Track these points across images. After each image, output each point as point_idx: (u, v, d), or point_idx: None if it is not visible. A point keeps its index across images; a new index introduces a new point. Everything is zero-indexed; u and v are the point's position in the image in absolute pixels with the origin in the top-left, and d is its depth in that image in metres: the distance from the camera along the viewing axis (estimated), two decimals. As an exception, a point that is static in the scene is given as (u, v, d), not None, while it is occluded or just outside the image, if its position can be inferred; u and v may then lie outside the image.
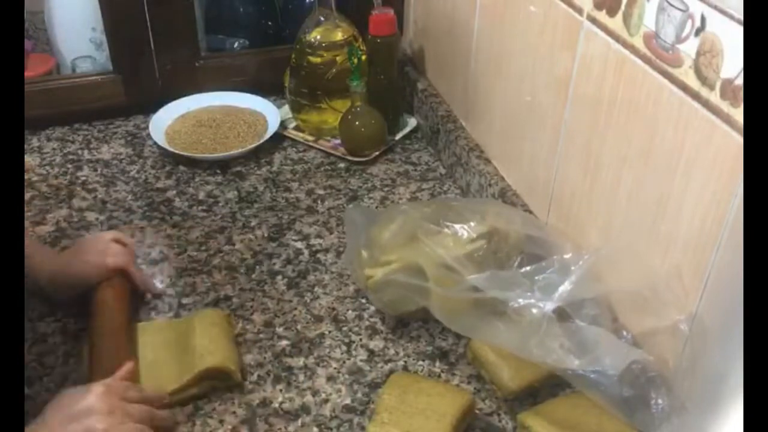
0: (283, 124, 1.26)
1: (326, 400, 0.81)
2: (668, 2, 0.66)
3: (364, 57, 1.18)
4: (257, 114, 1.27)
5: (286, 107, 1.28)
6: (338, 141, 1.23)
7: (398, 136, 1.26)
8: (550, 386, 0.81)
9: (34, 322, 0.89)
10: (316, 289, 0.96)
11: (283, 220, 1.08)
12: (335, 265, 0.99)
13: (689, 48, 0.65)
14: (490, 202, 1.01)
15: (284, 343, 0.88)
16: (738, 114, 0.60)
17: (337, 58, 1.20)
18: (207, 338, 0.83)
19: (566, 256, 0.77)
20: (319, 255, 1.01)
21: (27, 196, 1.10)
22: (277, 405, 0.80)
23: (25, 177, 1.14)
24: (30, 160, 1.19)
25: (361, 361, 0.86)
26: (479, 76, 1.09)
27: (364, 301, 0.93)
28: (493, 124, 1.07)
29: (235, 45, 1.39)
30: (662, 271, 0.73)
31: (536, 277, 0.77)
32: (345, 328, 0.90)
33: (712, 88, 0.63)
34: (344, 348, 0.87)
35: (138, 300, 0.92)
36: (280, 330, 0.90)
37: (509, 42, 0.97)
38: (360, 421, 0.79)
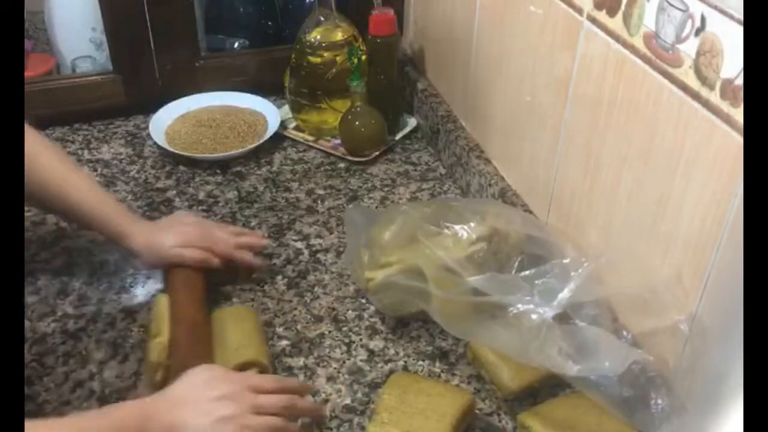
0: (283, 124, 1.26)
1: (326, 400, 0.81)
2: (668, 2, 0.66)
3: (364, 57, 1.18)
4: (257, 114, 1.27)
5: (286, 107, 1.28)
6: (338, 141, 1.23)
7: (398, 136, 1.26)
8: (550, 386, 0.81)
9: (34, 322, 0.89)
10: (316, 289, 0.96)
11: (283, 220, 1.08)
12: (335, 265, 0.99)
13: (689, 48, 0.65)
14: (490, 203, 1.01)
15: (284, 343, 0.88)
16: (738, 114, 0.60)
17: (337, 58, 1.20)
18: (240, 333, 0.83)
19: (566, 261, 0.76)
20: (319, 255, 1.01)
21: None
22: (277, 405, 0.80)
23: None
24: (30, 160, 1.19)
25: (361, 361, 0.86)
26: (479, 76, 1.09)
27: (364, 301, 0.93)
28: (493, 124, 1.07)
29: (235, 45, 1.39)
30: (662, 273, 0.74)
31: (536, 281, 0.77)
32: (345, 328, 0.90)
33: (712, 88, 0.63)
34: (344, 348, 0.87)
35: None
36: (280, 330, 0.90)
37: (509, 42, 0.97)
38: (360, 421, 0.79)
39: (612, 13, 0.75)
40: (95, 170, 1.17)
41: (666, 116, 0.69)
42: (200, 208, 1.10)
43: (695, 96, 0.65)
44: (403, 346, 0.88)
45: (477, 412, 0.79)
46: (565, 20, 0.83)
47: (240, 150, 1.19)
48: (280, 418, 0.71)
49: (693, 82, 0.65)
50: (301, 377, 0.83)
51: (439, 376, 0.84)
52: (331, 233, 1.05)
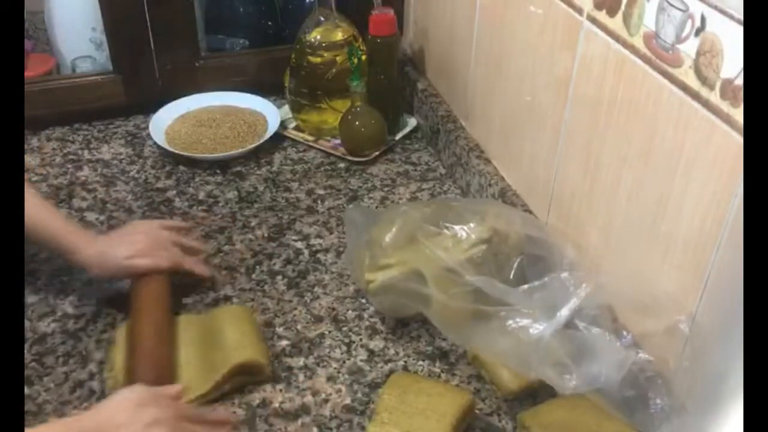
0: (283, 124, 1.26)
1: (326, 400, 0.81)
2: (668, 2, 0.66)
3: (364, 57, 1.18)
4: (257, 114, 1.27)
5: (286, 107, 1.28)
6: (338, 141, 1.23)
7: (398, 136, 1.26)
8: (549, 386, 0.80)
9: (34, 322, 0.89)
10: (316, 289, 0.96)
11: (283, 220, 1.08)
12: (335, 265, 0.99)
13: (689, 48, 0.65)
14: (489, 203, 1.01)
15: (284, 343, 0.88)
16: (738, 114, 0.60)
17: (337, 58, 1.20)
18: (238, 333, 0.83)
19: (564, 275, 0.76)
20: (319, 255, 1.01)
21: (27, 196, 1.10)
22: (277, 405, 0.80)
23: (25, 177, 1.14)
24: (30, 160, 1.19)
25: (361, 361, 0.86)
26: (479, 76, 1.09)
27: (364, 301, 0.93)
28: (493, 124, 1.07)
29: (236, 45, 1.39)
30: (662, 273, 0.74)
31: (535, 296, 0.77)
32: (345, 328, 0.90)
33: (712, 88, 0.63)
34: (344, 348, 0.87)
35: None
36: (280, 330, 0.90)
37: (509, 42, 0.97)
38: (360, 421, 0.79)
39: (612, 13, 0.75)
40: (95, 170, 1.17)
41: (666, 116, 0.69)
42: (200, 208, 1.10)
43: (695, 96, 0.65)
44: (403, 346, 0.88)
45: (477, 412, 0.79)
46: (565, 20, 0.83)
47: (240, 150, 1.19)
48: None
49: (693, 82, 0.65)
50: (301, 377, 0.83)
51: (439, 376, 0.84)
52: (331, 233, 1.05)
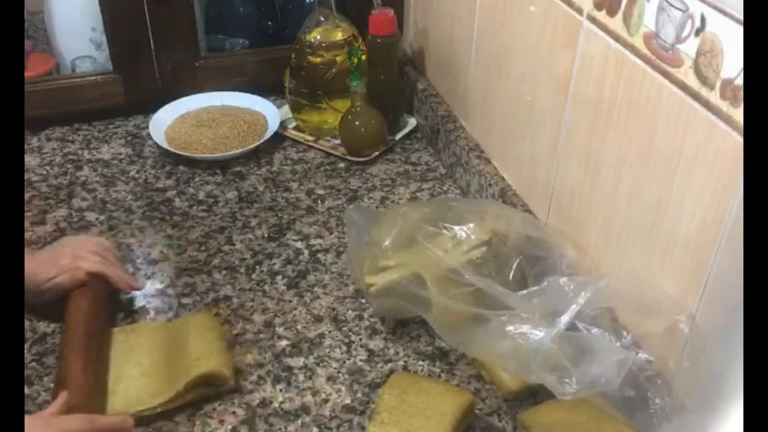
0: (283, 124, 1.26)
1: (326, 400, 0.81)
2: (668, 2, 0.66)
3: (364, 57, 1.18)
4: (257, 114, 1.27)
5: (286, 107, 1.28)
6: (338, 141, 1.23)
7: (398, 136, 1.26)
8: (550, 386, 0.81)
9: (34, 322, 0.89)
10: (316, 289, 0.96)
11: (283, 220, 1.08)
12: (335, 265, 0.99)
13: (689, 48, 0.65)
14: (489, 203, 1.01)
15: (284, 343, 0.88)
16: (738, 114, 0.60)
17: (337, 58, 1.20)
18: (202, 342, 0.82)
19: (563, 280, 0.75)
20: (319, 255, 1.01)
21: (27, 196, 1.10)
22: (277, 405, 0.80)
23: (25, 177, 1.14)
24: (30, 160, 1.19)
25: (361, 361, 0.86)
26: (479, 76, 1.09)
27: (364, 301, 0.93)
28: (493, 124, 1.07)
29: (236, 45, 1.39)
30: (662, 273, 0.74)
31: (534, 300, 0.77)
32: (345, 328, 0.90)
33: (712, 88, 0.63)
34: (344, 348, 0.87)
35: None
36: (280, 330, 0.90)
37: (509, 42, 0.97)
38: (360, 421, 0.79)
39: (612, 13, 0.75)
40: (95, 170, 1.17)
41: (666, 116, 0.69)
42: (200, 208, 1.10)
43: (695, 96, 0.65)
44: (403, 346, 0.88)
45: (477, 412, 0.79)
46: (565, 20, 0.83)
47: (240, 150, 1.19)
48: None
49: (693, 82, 0.65)
50: (301, 377, 0.83)
51: (439, 376, 0.84)
52: (331, 233, 1.05)
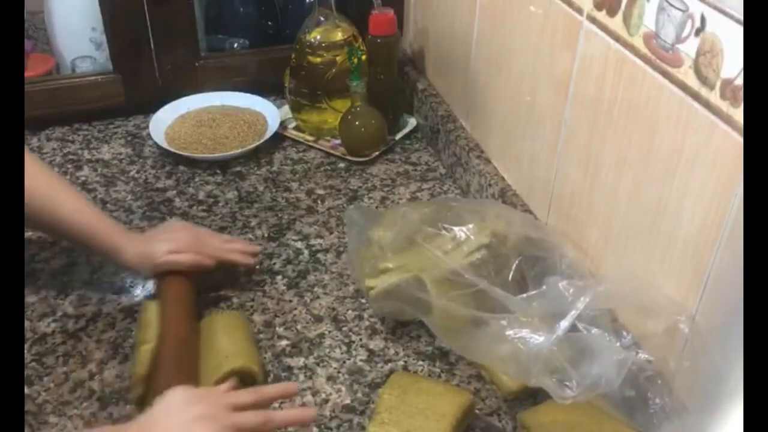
0: (283, 124, 1.26)
1: (326, 400, 0.81)
2: (668, 2, 0.66)
3: (364, 57, 1.18)
4: (257, 114, 1.27)
5: (286, 107, 1.28)
6: (338, 141, 1.23)
7: (398, 136, 1.26)
8: (550, 386, 0.81)
9: (34, 322, 0.89)
10: (316, 289, 0.96)
11: (283, 220, 1.08)
12: (335, 265, 0.99)
13: (689, 48, 0.65)
14: (489, 203, 1.01)
15: (284, 343, 0.88)
16: (738, 114, 0.60)
17: (337, 58, 1.20)
18: (230, 340, 0.83)
19: (562, 285, 0.75)
20: (319, 255, 1.01)
21: (27, 196, 1.10)
22: (277, 405, 0.80)
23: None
24: (30, 160, 1.19)
25: (361, 361, 0.86)
26: (479, 76, 1.09)
27: (363, 301, 0.93)
28: (493, 123, 1.07)
29: (235, 45, 1.39)
30: (662, 273, 0.74)
31: (534, 304, 0.77)
32: (345, 328, 0.90)
33: (712, 88, 0.63)
34: (344, 348, 0.87)
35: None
36: (280, 330, 0.90)
37: (509, 42, 0.97)
38: (360, 421, 0.79)
39: (612, 13, 0.75)
40: (95, 170, 1.17)
41: (666, 116, 0.69)
42: (200, 208, 1.10)
43: (695, 96, 0.65)
44: (403, 346, 0.88)
45: (477, 412, 0.79)
46: (565, 20, 0.83)
47: (240, 150, 1.19)
48: None
49: (693, 82, 0.65)
50: (301, 377, 0.83)
51: (439, 376, 0.84)
52: (331, 233, 1.05)
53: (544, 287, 0.77)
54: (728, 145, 0.62)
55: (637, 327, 0.77)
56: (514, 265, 0.84)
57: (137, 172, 1.17)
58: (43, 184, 0.86)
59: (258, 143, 1.20)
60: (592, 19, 0.78)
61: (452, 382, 0.83)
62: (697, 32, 0.63)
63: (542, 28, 0.88)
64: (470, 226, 0.87)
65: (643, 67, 0.71)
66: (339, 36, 1.20)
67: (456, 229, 0.87)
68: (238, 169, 1.19)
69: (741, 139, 0.61)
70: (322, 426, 0.78)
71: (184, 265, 0.88)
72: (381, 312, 0.90)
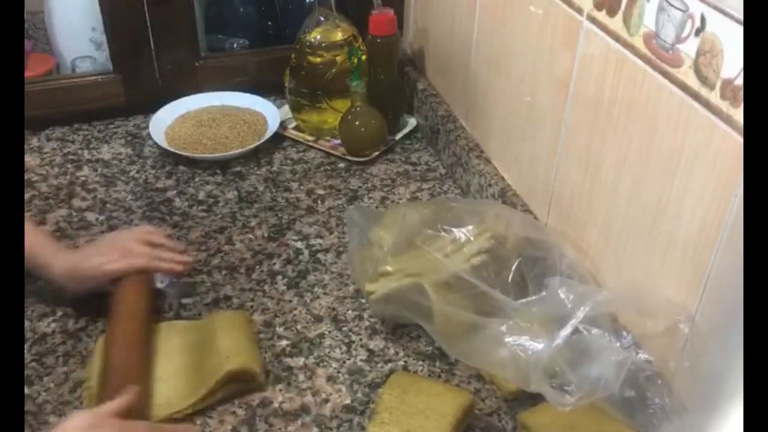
0: (283, 124, 1.26)
1: (326, 400, 0.81)
2: (668, 2, 0.66)
3: (364, 57, 1.18)
4: (257, 114, 1.27)
5: (286, 107, 1.28)
6: (338, 141, 1.23)
7: (398, 136, 1.26)
8: (550, 386, 0.81)
9: (34, 322, 0.89)
10: (316, 289, 0.96)
11: (283, 220, 1.08)
12: (335, 265, 0.99)
13: (689, 48, 0.65)
14: (489, 203, 1.01)
15: (284, 343, 0.88)
16: (738, 114, 0.60)
17: (337, 58, 1.20)
18: (231, 340, 0.82)
19: (562, 292, 0.75)
20: (319, 255, 1.01)
21: (27, 196, 1.11)
22: (277, 405, 0.80)
23: (25, 177, 1.14)
24: (30, 160, 1.19)
25: (361, 361, 0.86)
26: (479, 76, 1.09)
27: (363, 301, 0.93)
28: (493, 123, 1.07)
29: (235, 45, 1.39)
30: (662, 273, 0.74)
31: (533, 309, 0.77)
32: (345, 328, 0.90)
33: (712, 88, 0.63)
34: (344, 348, 0.87)
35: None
36: (280, 330, 0.90)
37: (509, 42, 0.97)
38: (360, 421, 0.79)
39: (612, 13, 0.75)
40: (95, 170, 1.17)
41: (666, 116, 0.69)
42: (200, 208, 1.10)
43: (695, 96, 0.65)
44: (403, 346, 0.88)
45: (477, 412, 0.79)
46: (565, 20, 0.83)
47: (240, 150, 1.19)
48: None
49: (693, 82, 0.65)
50: (301, 377, 0.83)
51: (439, 376, 0.84)
52: (331, 233, 1.05)
53: (544, 293, 0.77)
54: (728, 145, 0.62)
55: (637, 327, 0.77)
56: (514, 267, 0.84)
57: (137, 172, 1.17)
58: None
59: (258, 143, 1.20)
60: (592, 19, 0.78)
61: (452, 382, 0.83)
62: (697, 32, 0.63)
63: (542, 28, 0.88)
64: (470, 227, 0.87)
65: (643, 67, 0.71)
66: (339, 36, 1.20)
67: (456, 230, 0.87)
68: (238, 169, 1.19)
69: (741, 139, 0.61)
70: (322, 426, 0.78)
71: (117, 273, 0.87)
72: (381, 315, 0.90)
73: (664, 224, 0.72)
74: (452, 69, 1.18)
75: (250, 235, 1.04)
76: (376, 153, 1.21)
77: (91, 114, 1.28)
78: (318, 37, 1.20)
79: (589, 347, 0.72)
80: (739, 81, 0.60)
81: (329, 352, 0.87)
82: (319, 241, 1.04)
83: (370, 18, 1.18)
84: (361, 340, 0.89)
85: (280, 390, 0.82)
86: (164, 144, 1.19)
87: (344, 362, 0.86)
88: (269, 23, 1.43)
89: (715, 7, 0.61)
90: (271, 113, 1.27)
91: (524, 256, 0.85)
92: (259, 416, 0.79)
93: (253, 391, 0.81)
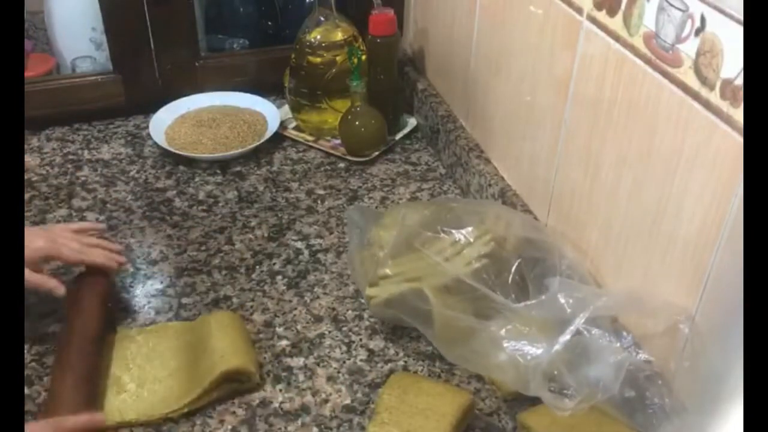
0: (283, 124, 1.26)
1: (326, 400, 0.81)
2: (668, 2, 0.66)
3: (364, 57, 1.18)
4: (257, 114, 1.27)
5: (286, 107, 1.28)
6: (338, 141, 1.23)
7: (398, 136, 1.26)
8: (550, 386, 0.81)
9: (34, 322, 0.89)
10: (316, 289, 0.96)
11: (283, 220, 1.08)
12: (335, 265, 0.99)
13: (689, 48, 0.65)
14: (489, 204, 1.01)
15: (284, 343, 0.88)
16: (738, 114, 0.60)
17: (337, 58, 1.20)
18: (226, 340, 0.82)
19: (561, 297, 0.75)
20: (319, 255, 1.01)
21: (27, 196, 1.11)
22: (277, 405, 0.80)
23: (25, 177, 1.14)
24: (30, 160, 1.19)
25: (361, 361, 0.86)
26: (479, 76, 1.09)
27: (363, 301, 0.93)
28: (493, 124, 1.07)
29: (235, 45, 1.39)
30: (662, 273, 0.74)
31: (533, 313, 0.77)
32: (345, 328, 0.90)
33: (712, 88, 0.63)
34: (344, 348, 0.87)
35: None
36: (280, 330, 0.90)
37: (509, 42, 0.97)
38: (360, 421, 0.79)
39: (612, 13, 0.75)
40: (95, 170, 1.17)
41: (666, 116, 0.69)
42: (200, 208, 1.10)
43: (695, 96, 0.65)
44: (403, 346, 0.88)
45: (477, 412, 0.79)
46: (565, 20, 0.83)
47: (240, 150, 1.19)
48: None
49: (693, 82, 0.65)
50: (301, 377, 0.83)
51: (439, 376, 0.84)
52: (331, 233, 1.05)
53: (543, 297, 0.77)
54: (728, 145, 0.62)
55: (637, 327, 0.77)
56: (514, 268, 0.84)
57: (137, 172, 1.17)
58: None
59: (258, 143, 1.20)
60: (592, 19, 0.78)
61: (452, 382, 0.83)
62: (697, 32, 0.63)
63: (542, 28, 0.88)
64: (469, 229, 0.87)
65: (643, 67, 0.71)
66: (339, 36, 1.20)
67: (455, 232, 0.87)
68: (238, 169, 1.19)
69: (741, 139, 0.61)
70: (322, 426, 0.78)
71: (42, 251, 0.84)
72: (380, 318, 0.90)
73: (664, 224, 0.72)
74: (452, 69, 1.18)
75: (250, 235, 1.04)
76: (376, 153, 1.21)
77: (91, 114, 1.28)
78: (318, 37, 1.20)
79: (588, 348, 0.72)
80: (739, 81, 0.60)
81: (329, 352, 0.87)
82: (319, 241, 1.04)
83: (370, 18, 1.18)
84: (361, 340, 0.89)
85: (280, 390, 0.82)
86: (164, 144, 1.19)
87: (344, 362, 0.86)
88: (269, 23, 1.43)
89: (715, 7, 0.61)
90: (271, 113, 1.27)
91: (524, 257, 0.85)
92: (259, 416, 0.79)
93: (249, 391, 0.81)
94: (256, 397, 0.81)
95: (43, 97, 1.22)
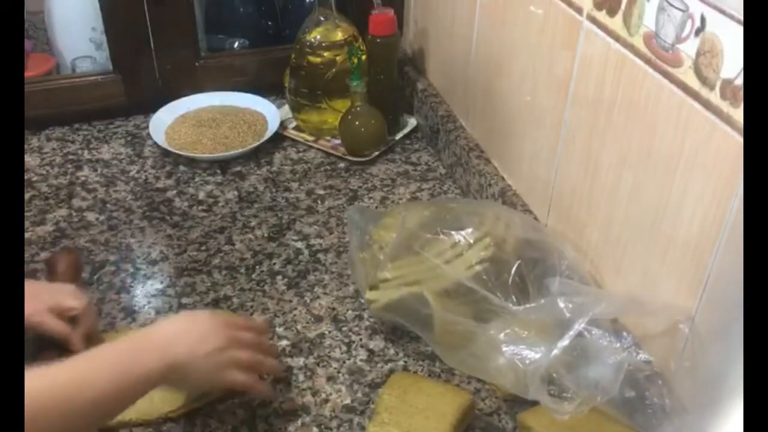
0: (283, 124, 1.26)
1: (326, 400, 0.81)
2: (668, 2, 0.66)
3: (364, 57, 1.18)
4: (257, 114, 1.27)
5: (286, 107, 1.28)
6: (338, 141, 1.23)
7: (398, 136, 1.26)
8: (550, 386, 0.81)
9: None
10: (316, 289, 0.96)
11: (283, 220, 1.08)
12: (335, 265, 0.99)
13: (689, 48, 0.65)
14: (488, 204, 1.01)
15: (284, 343, 0.88)
16: (738, 114, 0.60)
17: (337, 58, 1.20)
18: None
19: (561, 302, 0.75)
20: (319, 255, 1.01)
21: (27, 196, 1.11)
22: (277, 405, 0.80)
23: (25, 177, 1.14)
24: (30, 160, 1.19)
25: (361, 361, 0.86)
26: (479, 76, 1.09)
27: (363, 301, 0.93)
28: (493, 123, 1.07)
29: (235, 45, 1.39)
30: (662, 273, 0.74)
31: (532, 316, 0.77)
32: (345, 328, 0.90)
33: (712, 88, 0.63)
34: (344, 348, 0.87)
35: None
36: (280, 330, 0.90)
37: (509, 42, 0.97)
38: (360, 421, 0.79)
39: (612, 13, 0.75)
40: (95, 170, 1.17)
41: (666, 116, 0.69)
42: (200, 208, 1.10)
43: (695, 96, 0.65)
44: (403, 346, 0.88)
45: (477, 412, 0.79)
46: (565, 20, 0.83)
47: (240, 150, 1.19)
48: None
49: (693, 82, 0.65)
50: (301, 377, 0.83)
51: (439, 376, 0.84)
52: (331, 233, 1.05)
53: (543, 301, 0.76)
54: (728, 145, 0.62)
55: (637, 328, 0.77)
56: (514, 269, 0.84)
57: (137, 172, 1.17)
58: None
59: (258, 143, 1.20)
60: (592, 19, 0.78)
61: (452, 382, 0.83)
62: (697, 32, 0.63)
63: (542, 28, 0.88)
64: (469, 230, 0.87)
65: (643, 67, 0.71)
66: (339, 36, 1.20)
67: (455, 233, 0.86)
68: (238, 169, 1.19)
69: (741, 139, 0.61)
70: (322, 426, 0.78)
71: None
72: (380, 320, 0.90)
73: (664, 224, 0.72)
74: (452, 69, 1.18)
75: (250, 235, 1.04)
76: (376, 153, 1.21)
77: (91, 114, 1.28)
78: (318, 37, 1.20)
79: (587, 349, 0.72)
80: (739, 81, 0.60)
81: (329, 352, 0.87)
82: (319, 241, 1.04)
83: (370, 18, 1.18)
84: (361, 340, 0.89)
85: (280, 390, 0.82)
86: (164, 144, 1.19)
87: (344, 362, 0.86)
88: (269, 23, 1.43)
89: (715, 7, 0.61)
90: (271, 113, 1.27)
91: (524, 258, 0.85)
92: (259, 416, 0.79)
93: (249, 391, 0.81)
94: (256, 397, 0.81)
95: (43, 97, 1.22)
